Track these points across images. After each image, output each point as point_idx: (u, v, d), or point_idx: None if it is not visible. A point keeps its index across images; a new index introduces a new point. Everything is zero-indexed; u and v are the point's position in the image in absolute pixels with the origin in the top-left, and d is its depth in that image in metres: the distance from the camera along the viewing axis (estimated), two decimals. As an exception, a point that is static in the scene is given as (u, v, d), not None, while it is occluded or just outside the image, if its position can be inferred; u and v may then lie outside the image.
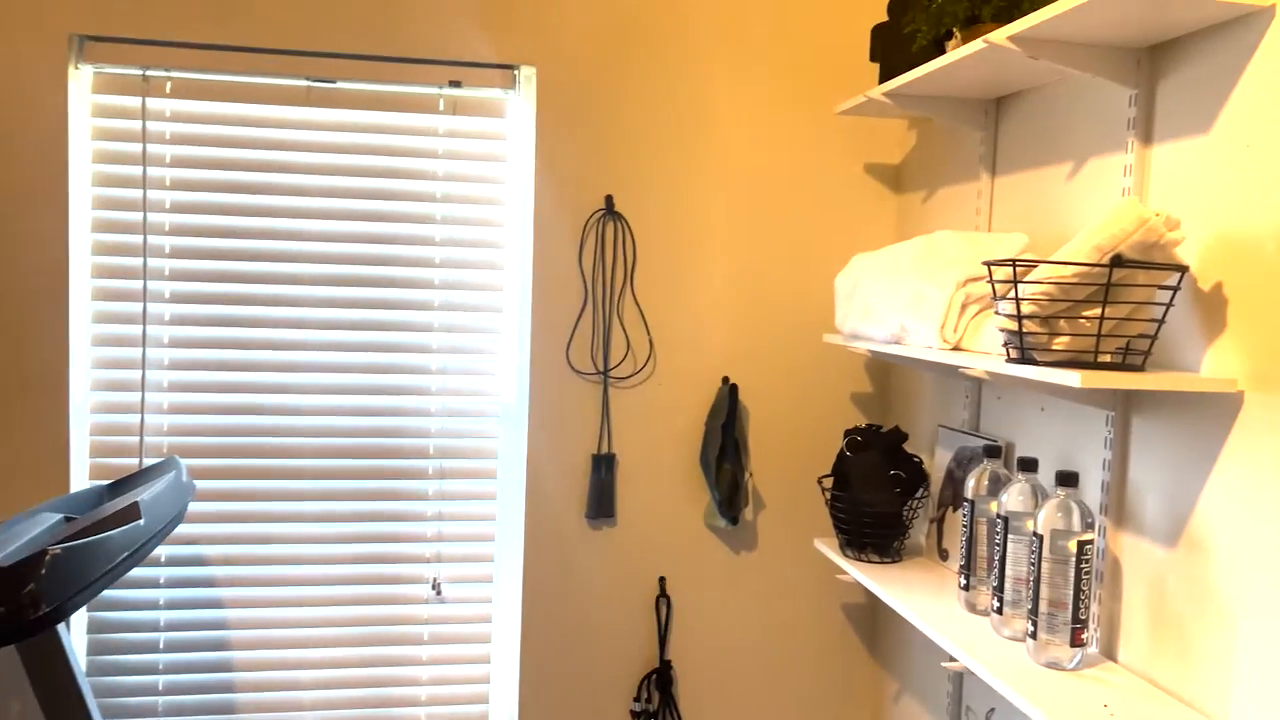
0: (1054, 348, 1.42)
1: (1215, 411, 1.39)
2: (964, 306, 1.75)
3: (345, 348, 2.38)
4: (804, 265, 2.50)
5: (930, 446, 2.28)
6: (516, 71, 2.38)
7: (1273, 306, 1.30)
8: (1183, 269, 1.38)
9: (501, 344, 2.44)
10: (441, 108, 2.38)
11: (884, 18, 2.26)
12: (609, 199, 2.42)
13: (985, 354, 1.66)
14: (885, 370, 2.53)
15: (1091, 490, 1.67)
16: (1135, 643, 1.56)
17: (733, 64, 2.44)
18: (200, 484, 2.32)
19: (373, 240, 2.37)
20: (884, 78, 2.17)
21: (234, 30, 2.25)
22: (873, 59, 2.23)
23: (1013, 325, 1.43)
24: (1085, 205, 1.72)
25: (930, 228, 2.31)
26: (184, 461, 2.26)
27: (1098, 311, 1.38)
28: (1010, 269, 1.43)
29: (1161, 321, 1.41)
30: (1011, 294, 1.42)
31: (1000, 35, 1.53)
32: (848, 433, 2.25)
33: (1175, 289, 1.39)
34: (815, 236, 2.50)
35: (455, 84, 2.37)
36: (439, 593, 2.43)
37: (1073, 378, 1.32)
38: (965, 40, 1.85)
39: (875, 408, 2.55)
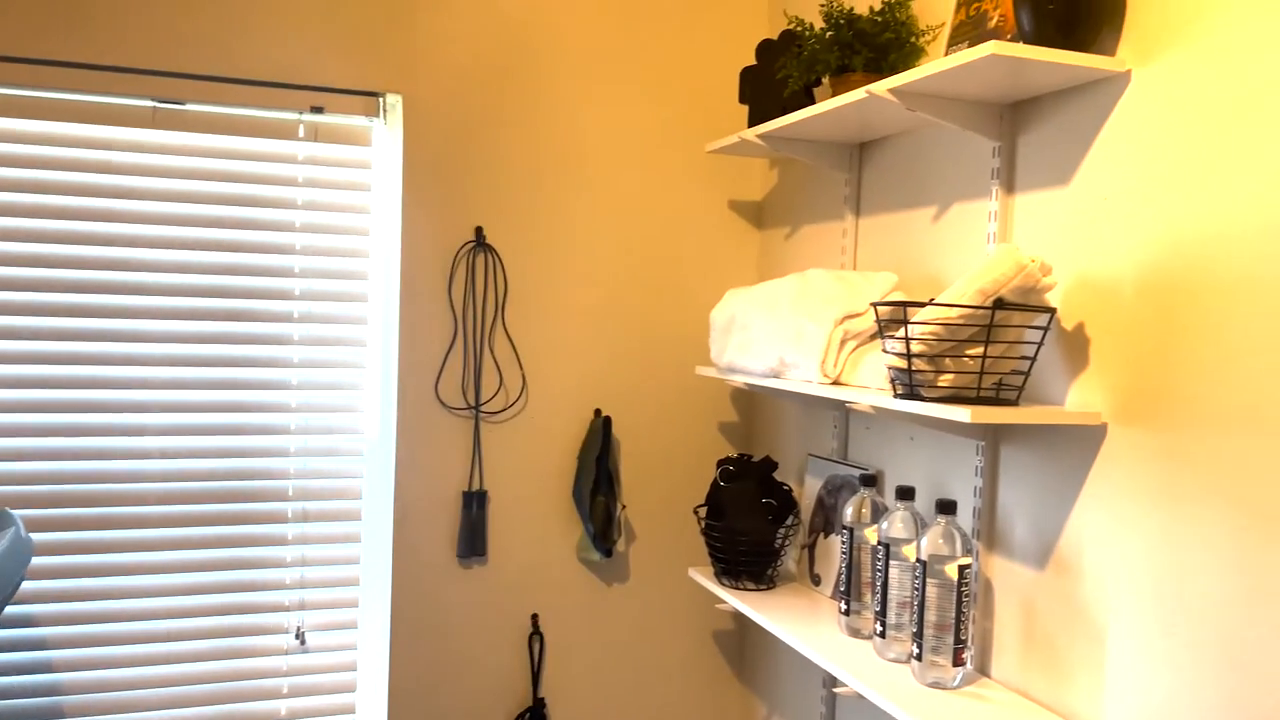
0: (939, 384, 1.50)
1: (1081, 441, 1.51)
2: (843, 342, 1.83)
3: (195, 385, 2.23)
4: (673, 298, 2.54)
5: (800, 475, 2.36)
6: (382, 99, 2.32)
7: (1131, 345, 1.42)
8: (1052, 311, 1.49)
9: (366, 379, 2.35)
10: (301, 134, 2.29)
11: (753, 61, 2.34)
12: (479, 230, 2.39)
13: (864, 388, 1.74)
14: (752, 401, 2.60)
15: (963, 516, 1.77)
16: (1008, 659, 1.66)
17: (604, 97, 2.46)
18: (33, 537, 2.12)
19: (225, 271, 2.24)
20: (754, 119, 2.24)
21: (70, 45, 2.08)
22: (742, 101, 2.30)
23: (902, 363, 1.50)
24: (951, 248, 1.84)
25: (795, 264, 2.40)
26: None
27: (979, 350, 1.47)
28: (900, 310, 1.50)
29: (1034, 359, 1.51)
30: (900, 333, 1.49)
31: (881, 87, 1.62)
32: (720, 463, 2.30)
33: (1045, 329, 1.50)
34: (684, 270, 2.54)
35: (317, 110, 2.27)
36: (303, 642, 2.30)
37: (962, 413, 1.40)
38: (835, 87, 1.94)
39: (743, 438, 2.61)
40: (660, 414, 2.54)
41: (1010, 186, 1.69)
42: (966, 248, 1.79)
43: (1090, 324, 1.50)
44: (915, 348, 1.48)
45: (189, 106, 2.20)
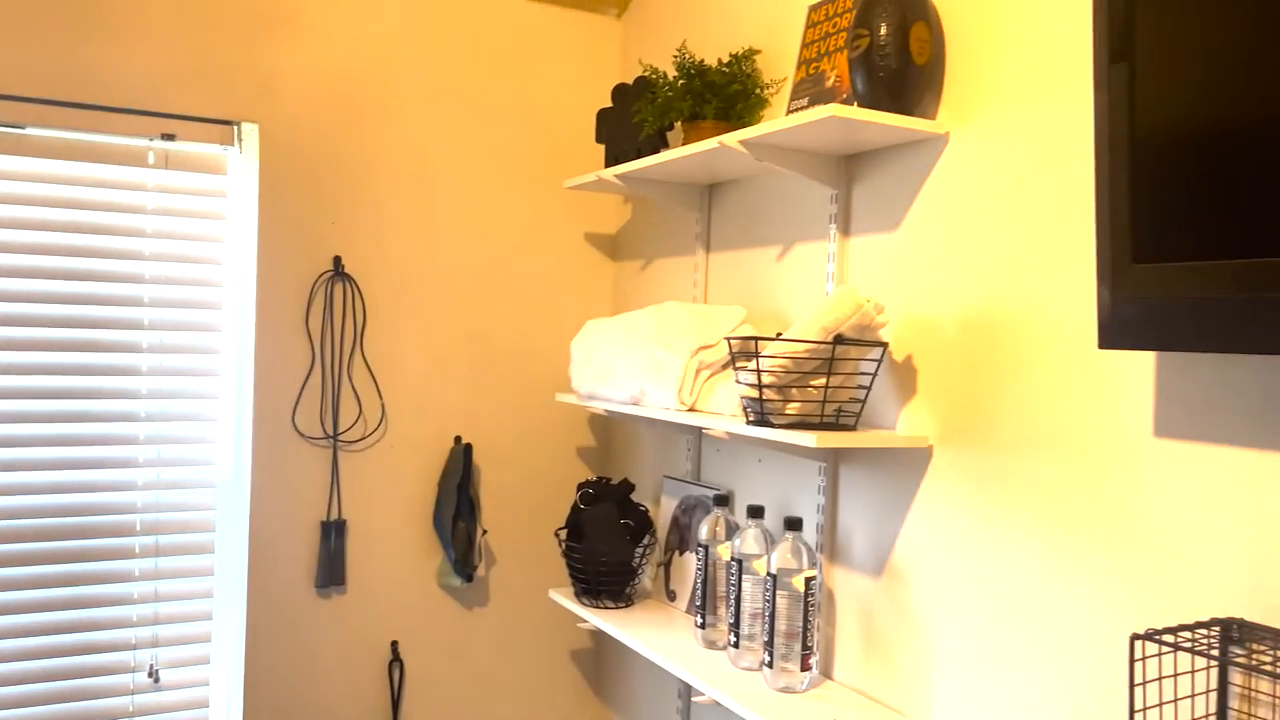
0: (787, 412, 1.64)
1: (910, 463, 1.68)
2: (698, 371, 1.95)
3: (38, 419, 2.14)
4: (531, 326, 2.62)
5: (656, 496, 2.48)
6: (237, 127, 2.30)
7: (952, 377, 1.60)
8: (884, 345, 1.66)
9: (219, 409, 2.32)
10: (151, 161, 2.24)
11: (609, 103, 2.45)
12: (337, 260, 2.40)
13: (717, 414, 1.87)
14: (610, 426, 2.71)
15: (808, 531, 1.93)
16: (849, 662, 1.82)
17: (462, 131, 2.52)
18: None
19: (69, 301, 2.17)
20: (610, 159, 2.36)
21: (-100, 63, 1.99)
22: (599, 140, 2.41)
23: (753, 393, 1.64)
24: (795, 284, 1.99)
25: (649, 295, 2.52)
26: None
27: (822, 381, 1.62)
28: (751, 344, 1.64)
29: (869, 389, 1.68)
30: (752, 365, 1.62)
31: (733, 139, 1.76)
32: (580, 486, 2.38)
33: (879, 362, 1.67)
34: (541, 299, 2.63)
35: (168, 137, 2.24)
36: (157, 680, 2.24)
37: (808, 439, 1.55)
38: (687, 133, 2.08)
39: (601, 461, 2.71)
40: (520, 440, 2.61)
41: (846, 230, 1.86)
42: (808, 284, 1.95)
43: (917, 357, 1.68)
44: (765, 379, 1.61)
45: (30, 131, 2.13)
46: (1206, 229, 1.06)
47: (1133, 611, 1.31)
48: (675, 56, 2.12)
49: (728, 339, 1.72)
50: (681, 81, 2.07)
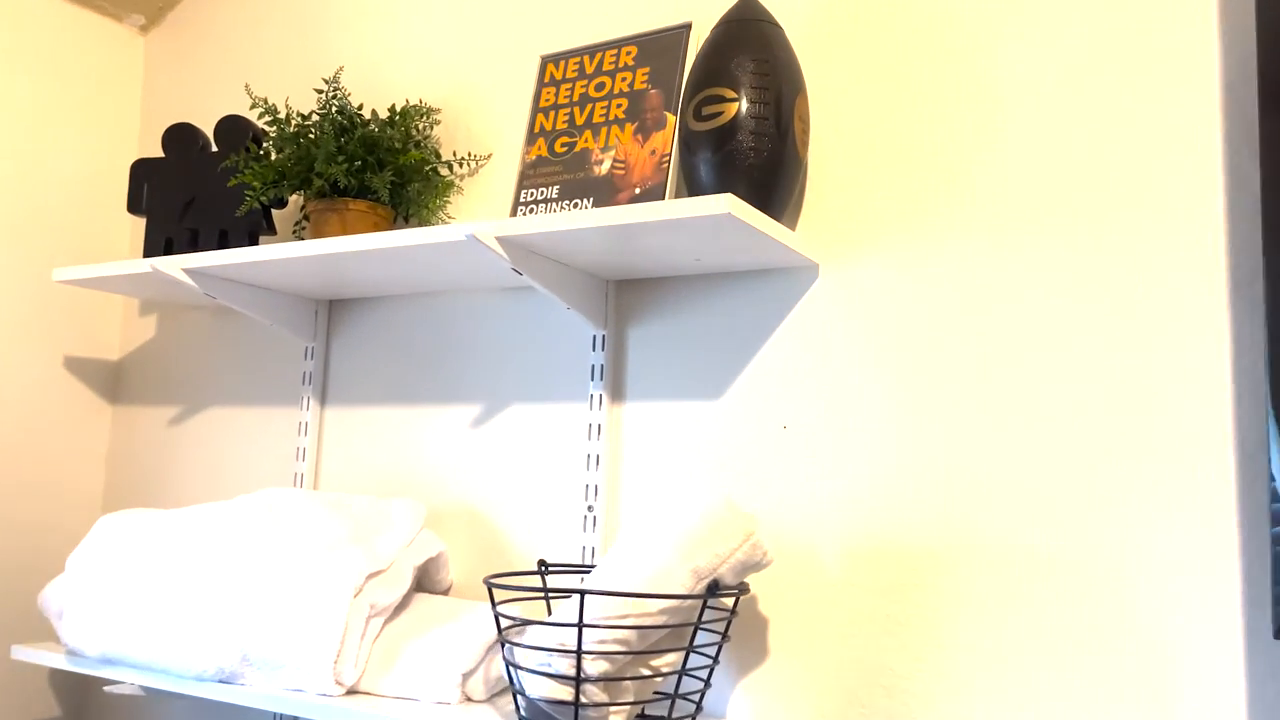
0: (614, 716, 0.92)
1: (762, 769, 1.06)
2: (367, 620, 1.12)
3: None
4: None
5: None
6: None
7: (833, 639, 1.03)
8: (746, 592, 1.03)
9: None
10: None
11: (150, 152, 1.52)
12: None
13: (408, 699, 1.07)
14: (138, 716, 1.62)
15: None
16: None
17: None
18: None
19: None
20: (153, 237, 1.42)
21: None
22: (133, 209, 1.45)
23: (565, 691, 0.89)
24: (501, 466, 1.28)
25: (203, 470, 1.56)
26: None
27: (673, 659, 0.94)
28: (574, 596, 0.90)
29: (716, 661, 1.02)
30: (561, 640, 0.89)
31: (490, 232, 1.03)
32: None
33: (732, 614, 1.03)
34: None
35: None
36: None
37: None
38: (316, 215, 1.28)
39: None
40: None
41: (620, 392, 1.22)
42: (541, 466, 1.25)
43: (772, 604, 1.08)
44: (594, 666, 0.88)
45: None
46: None
47: None
48: (321, 92, 1.31)
49: (488, 582, 0.95)
50: (329, 132, 1.27)
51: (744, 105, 1.02)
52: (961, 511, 0.99)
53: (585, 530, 1.19)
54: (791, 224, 1.13)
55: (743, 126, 1.02)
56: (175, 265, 1.28)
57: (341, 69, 1.33)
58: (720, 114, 1.03)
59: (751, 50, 1.04)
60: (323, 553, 1.15)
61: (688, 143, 1.06)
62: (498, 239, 1.04)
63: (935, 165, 1.05)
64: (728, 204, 0.91)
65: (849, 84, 1.11)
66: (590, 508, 1.19)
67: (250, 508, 1.24)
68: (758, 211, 0.96)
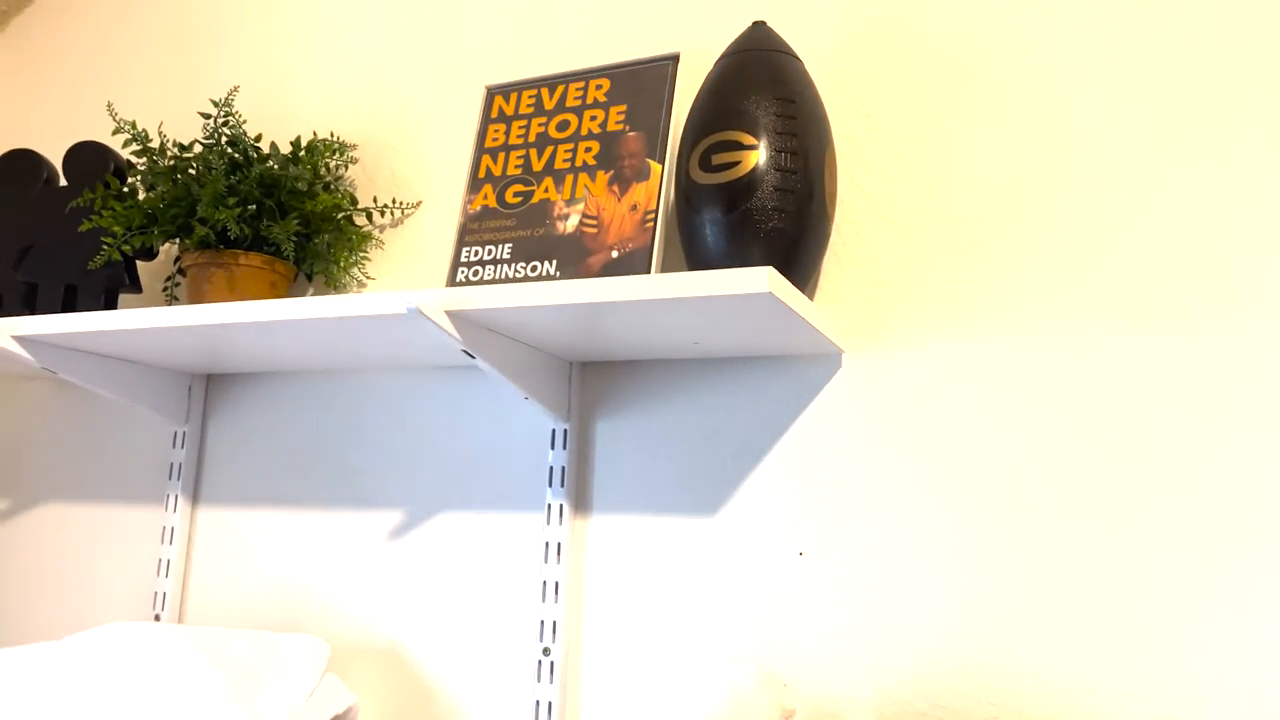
0: None
1: None
2: (249, 819, 0.84)
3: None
4: None
5: None
6: None
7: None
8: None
9: None
10: None
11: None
12: None
13: None
14: None
15: None
16: None
17: None
18: None
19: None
20: (-21, 294, 1.12)
21: None
22: (-50, 253, 1.14)
23: None
24: (439, 592, 1.02)
25: (35, 595, 1.24)
26: None
27: None
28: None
29: None
30: None
31: (438, 305, 0.79)
32: None
33: (745, 802, 0.80)
34: None
35: None
36: None
37: None
38: (195, 265, 1.02)
39: None
40: None
41: (585, 504, 0.98)
42: (519, 578, 1.00)
43: (778, 772, 0.85)
44: None
45: None
46: None
47: None
48: (211, 117, 1.04)
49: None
50: (220, 171, 1.01)
51: (764, 154, 0.82)
52: (1029, 657, 0.78)
53: (539, 680, 0.94)
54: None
55: (764, 181, 0.81)
56: (3, 331, 0.98)
57: (236, 90, 1.07)
58: (736, 164, 0.82)
59: (772, 88, 0.84)
60: (177, 707, 0.86)
61: (689, 198, 0.85)
62: (448, 313, 0.79)
63: (987, 233, 0.86)
64: (767, 280, 0.69)
65: (873, 131, 0.92)
66: (546, 650, 0.94)
67: (86, 655, 0.93)
68: (798, 292, 0.75)
